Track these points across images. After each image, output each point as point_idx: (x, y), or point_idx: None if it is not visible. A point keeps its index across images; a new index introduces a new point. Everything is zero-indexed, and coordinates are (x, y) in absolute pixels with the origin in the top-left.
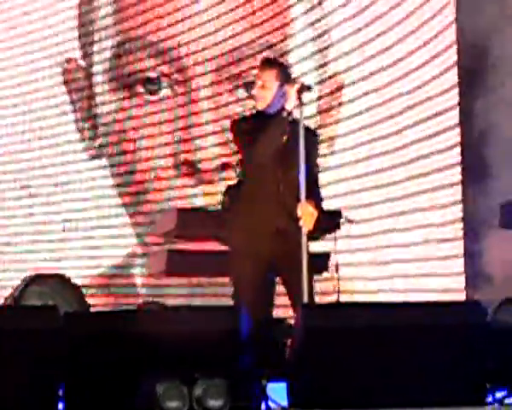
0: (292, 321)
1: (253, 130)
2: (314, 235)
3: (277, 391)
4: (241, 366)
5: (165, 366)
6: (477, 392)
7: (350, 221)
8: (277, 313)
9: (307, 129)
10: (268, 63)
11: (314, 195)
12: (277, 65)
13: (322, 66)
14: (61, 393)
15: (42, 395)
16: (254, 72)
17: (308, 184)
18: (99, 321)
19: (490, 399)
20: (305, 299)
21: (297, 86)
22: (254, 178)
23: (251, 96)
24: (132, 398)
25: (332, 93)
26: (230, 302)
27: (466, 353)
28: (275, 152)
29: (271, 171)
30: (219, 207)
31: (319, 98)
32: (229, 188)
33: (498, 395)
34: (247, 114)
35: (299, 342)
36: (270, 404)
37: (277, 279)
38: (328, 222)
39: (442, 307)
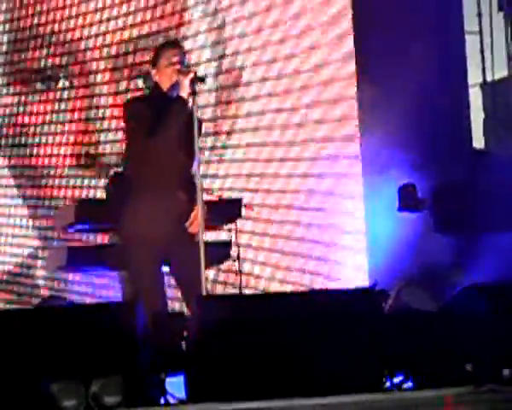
0: (187, 313)
1: (153, 111)
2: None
3: (176, 385)
4: (137, 362)
5: (61, 363)
6: (374, 377)
7: (249, 208)
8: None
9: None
10: (175, 44)
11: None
12: (181, 47)
13: (220, 57)
14: None
15: None
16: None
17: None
18: None
19: (387, 384)
20: (202, 290)
21: (191, 76)
22: (153, 163)
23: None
24: (29, 398)
25: (230, 86)
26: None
27: (362, 339)
28: (175, 137)
29: (173, 156)
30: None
31: (217, 89)
32: (116, 175)
33: (396, 380)
34: (140, 95)
35: (194, 334)
36: (169, 398)
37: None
38: (226, 212)
39: (339, 294)
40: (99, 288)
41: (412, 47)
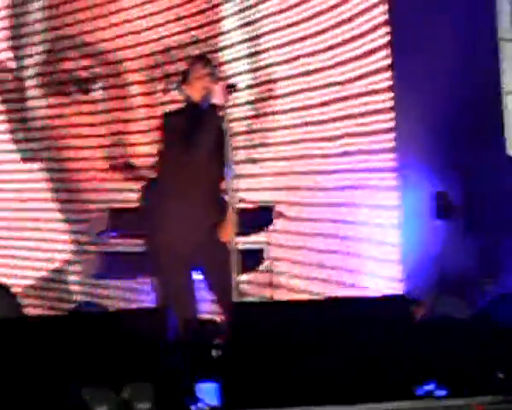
0: (219, 320)
1: (186, 124)
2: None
3: (207, 392)
4: (169, 368)
5: (92, 370)
6: (407, 385)
7: (282, 215)
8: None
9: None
10: (203, 59)
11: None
12: (210, 61)
13: (255, 69)
14: None
15: None
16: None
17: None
18: (26, 327)
19: (420, 391)
20: (234, 297)
21: (222, 83)
22: (186, 174)
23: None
24: (61, 404)
25: (264, 92)
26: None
27: (395, 346)
28: (208, 148)
29: (205, 167)
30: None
31: (251, 102)
32: (150, 183)
33: (428, 387)
34: (177, 108)
35: (227, 341)
36: (200, 405)
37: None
38: (260, 219)
39: (371, 302)
40: (132, 293)
41: (442, 61)
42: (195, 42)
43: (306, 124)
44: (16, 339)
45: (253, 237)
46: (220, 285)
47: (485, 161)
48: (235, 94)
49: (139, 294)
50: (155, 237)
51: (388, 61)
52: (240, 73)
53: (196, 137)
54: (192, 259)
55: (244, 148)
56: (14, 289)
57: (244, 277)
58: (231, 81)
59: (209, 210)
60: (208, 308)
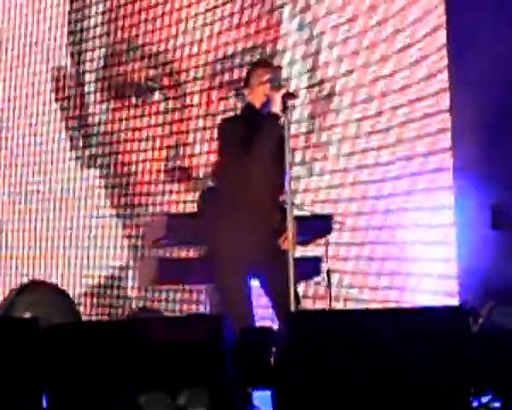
0: (276, 328)
1: (246, 129)
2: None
3: (263, 400)
4: (225, 375)
5: (148, 375)
6: (462, 397)
7: (341, 224)
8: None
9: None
10: (266, 64)
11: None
12: (272, 67)
13: (312, 70)
14: (44, 404)
15: (23, 407)
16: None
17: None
18: (82, 332)
19: (475, 404)
20: (292, 306)
21: (283, 91)
22: (246, 181)
23: (240, 100)
24: (115, 409)
25: (323, 98)
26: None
27: (450, 357)
28: (268, 154)
29: (266, 174)
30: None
31: (310, 103)
32: (208, 191)
33: (484, 399)
34: (235, 114)
35: (283, 350)
36: None
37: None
38: (319, 227)
39: (425, 313)
40: (188, 301)
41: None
42: (254, 47)
43: (366, 134)
44: (73, 344)
45: (310, 246)
46: (280, 293)
47: None
48: (294, 102)
49: (191, 303)
50: (216, 243)
51: (444, 63)
52: (299, 83)
53: (258, 142)
54: (252, 266)
55: (300, 149)
56: (71, 295)
57: (301, 285)
58: (290, 87)
59: (271, 217)
60: (265, 316)
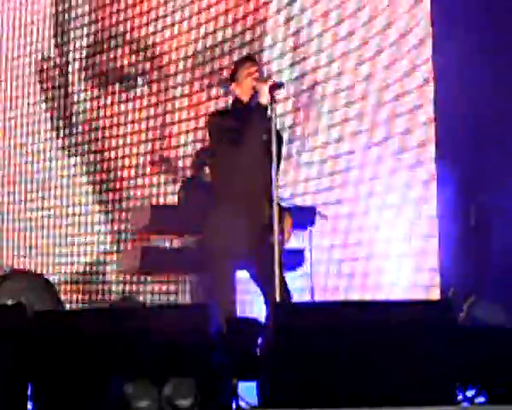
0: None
1: (236, 123)
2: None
3: (248, 390)
4: (211, 365)
5: (134, 364)
6: (447, 391)
7: (323, 217)
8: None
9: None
10: (252, 58)
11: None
12: (257, 61)
13: (296, 63)
14: (29, 392)
15: (10, 394)
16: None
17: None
18: (68, 320)
19: (460, 397)
20: (278, 297)
21: (270, 83)
22: (237, 173)
23: (226, 94)
24: (101, 398)
25: (307, 91)
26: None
27: (435, 351)
28: (258, 146)
29: (256, 166)
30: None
31: (294, 96)
32: (187, 182)
33: (469, 393)
34: (223, 107)
35: (269, 341)
36: (241, 403)
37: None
38: (303, 219)
39: (411, 305)
40: (167, 292)
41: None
42: (237, 37)
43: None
44: (58, 331)
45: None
46: (269, 285)
47: None
48: (280, 93)
49: (170, 294)
50: (208, 237)
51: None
52: (282, 71)
53: (249, 135)
54: (242, 257)
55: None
56: (54, 282)
57: (286, 277)
58: (276, 80)
59: (261, 209)
60: (252, 307)
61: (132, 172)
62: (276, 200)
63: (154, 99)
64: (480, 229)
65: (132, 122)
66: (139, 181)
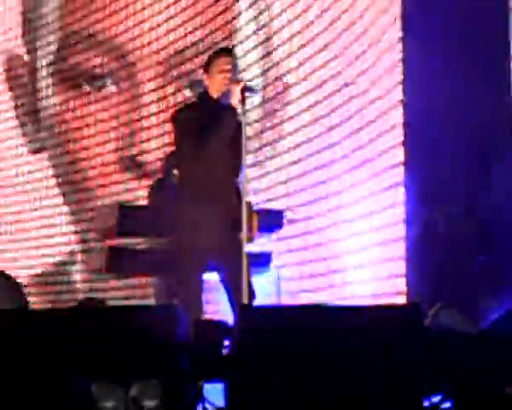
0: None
1: (203, 116)
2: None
3: (214, 392)
4: (177, 367)
5: (100, 365)
6: (413, 396)
7: (290, 221)
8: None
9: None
10: (227, 52)
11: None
12: (232, 55)
13: (267, 66)
14: None
15: None
16: (199, 70)
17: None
18: (32, 320)
19: (426, 403)
20: (244, 299)
21: (242, 85)
22: (203, 169)
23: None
24: (65, 398)
25: (277, 95)
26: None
27: (401, 356)
28: (225, 144)
29: (223, 163)
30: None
31: (263, 102)
32: (157, 182)
33: (435, 399)
34: (191, 101)
35: (236, 343)
36: (207, 405)
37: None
38: (271, 222)
39: (379, 310)
40: (134, 290)
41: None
42: (208, 34)
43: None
44: (22, 331)
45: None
46: (235, 286)
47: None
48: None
49: (136, 297)
50: (175, 236)
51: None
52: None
53: (216, 132)
54: (210, 259)
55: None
56: (18, 281)
57: (253, 279)
58: (248, 81)
59: (228, 207)
60: (219, 309)
61: (98, 171)
62: (245, 196)
63: (122, 98)
64: (447, 236)
65: (101, 121)
66: (107, 179)
